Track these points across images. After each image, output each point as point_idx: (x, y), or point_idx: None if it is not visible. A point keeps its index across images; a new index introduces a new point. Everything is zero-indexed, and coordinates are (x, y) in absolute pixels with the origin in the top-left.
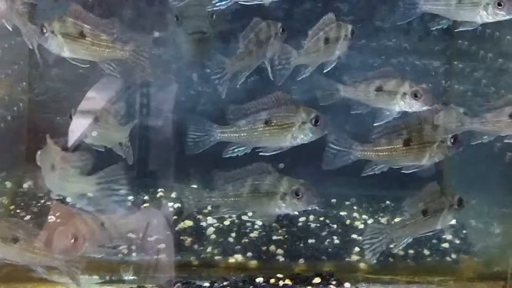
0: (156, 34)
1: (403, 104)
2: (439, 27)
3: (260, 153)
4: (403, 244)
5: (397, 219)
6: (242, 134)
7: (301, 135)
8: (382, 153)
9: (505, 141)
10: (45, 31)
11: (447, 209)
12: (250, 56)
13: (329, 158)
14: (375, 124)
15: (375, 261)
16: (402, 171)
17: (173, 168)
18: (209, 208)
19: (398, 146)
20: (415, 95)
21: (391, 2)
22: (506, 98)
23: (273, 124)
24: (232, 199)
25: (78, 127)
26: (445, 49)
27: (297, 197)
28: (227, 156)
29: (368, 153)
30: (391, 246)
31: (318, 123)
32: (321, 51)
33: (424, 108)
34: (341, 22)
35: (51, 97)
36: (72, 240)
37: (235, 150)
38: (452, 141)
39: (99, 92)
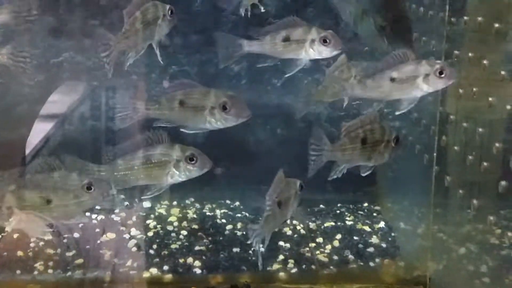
0: None
1: (312, 51)
2: None
3: (182, 129)
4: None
5: (327, 224)
6: (164, 112)
7: (212, 119)
8: (346, 153)
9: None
10: None
11: (293, 196)
12: (136, 35)
13: (311, 165)
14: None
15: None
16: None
17: None
18: (133, 219)
19: (357, 145)
20: (324, 41)
21: (316, 4)
22: (384, 60)
23: (186, 105)
24: (122, 172)
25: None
26: (373, 50)
27: (191, 162)
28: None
29: (336, 153)
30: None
31: (228, 110)
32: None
33: (333, 53)
34: (158, 2)
35: None
36: None
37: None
38: (394, 141)
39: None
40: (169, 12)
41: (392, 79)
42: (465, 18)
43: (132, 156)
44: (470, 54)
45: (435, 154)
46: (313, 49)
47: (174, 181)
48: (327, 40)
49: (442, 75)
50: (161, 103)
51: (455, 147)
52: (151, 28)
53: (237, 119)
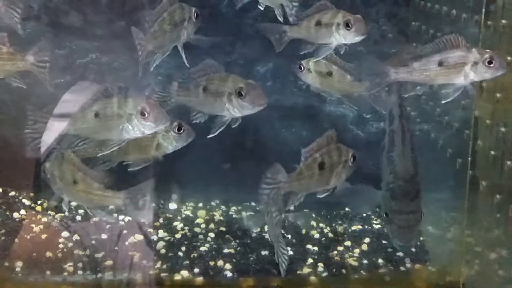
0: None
1: (338, 36)
2: None
3: (193, 121)
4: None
5: (354, 227)
6: (191, 98)
7: (230, 106)
8: (304, 181)
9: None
10: None
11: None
12: (163, 36)
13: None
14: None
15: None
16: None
17: None
18: (161, 221)
19: (315, 171)
20: (346, 25)
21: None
22: (433, 43)
23: (208, 90)
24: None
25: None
26: (400, 52)
27: (179, 132)
28: (194, 121)
29: (293, 183)
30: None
31: (243, 97)
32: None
33: (357, 38)
34: (184, 4)
35: None
36: None
37: (196, 115)
38: (351, 160)
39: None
40: (195, 14)
41: (440, 64)
42: (503, 21)
43: None
44: (509, 58)
45: (469, 158)
46: (338, 33)
47: (160, 153)
48: (349, 25)
49: (491, 65)
50: (189, 88)
51: (492, 152)
52: (177, 30)
53: (253, 107)
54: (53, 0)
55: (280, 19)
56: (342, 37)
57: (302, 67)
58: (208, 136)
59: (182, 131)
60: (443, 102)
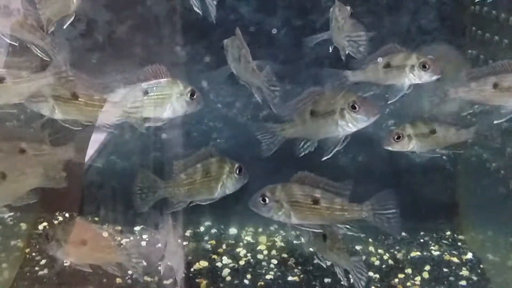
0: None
1: (412, 76)
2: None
3: (302, 154)
4: None
5: (413, 253)
6: (297, 128)
7: (343, 122)
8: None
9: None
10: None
11: None
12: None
13: None
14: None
15: None
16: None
17: None
18: (223, 247)
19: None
20: (423, 66)
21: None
22: (490, 66)
23: (316, 113)
24: (185, 187)
25: None
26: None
27: (239, 174)
28: (300, 155)
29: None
30: None
31: (357, 109)
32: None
33: (433, 78)
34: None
35: None
36: None
37: (304, 146)
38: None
39: None
40: None
41: (495, 85)
42: None
43: (193, 170)
44: None
45: None
46: (413, 74)
47: (223, 194)
48: (427, 66)
49: None
50: (293, 119)
51: None
52: None
53: (368, 118)
54: (117, 31)
55: (343, 58)
56: (417, 78)
57: (401, 136)
58: (323, 159)
59: (242, 173)
60: (495, 122)
